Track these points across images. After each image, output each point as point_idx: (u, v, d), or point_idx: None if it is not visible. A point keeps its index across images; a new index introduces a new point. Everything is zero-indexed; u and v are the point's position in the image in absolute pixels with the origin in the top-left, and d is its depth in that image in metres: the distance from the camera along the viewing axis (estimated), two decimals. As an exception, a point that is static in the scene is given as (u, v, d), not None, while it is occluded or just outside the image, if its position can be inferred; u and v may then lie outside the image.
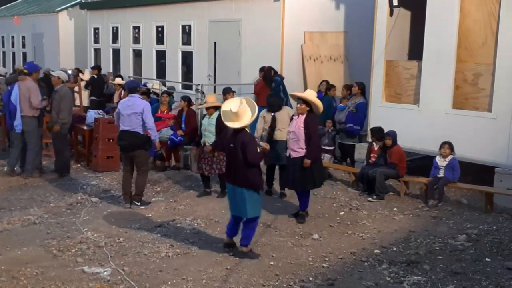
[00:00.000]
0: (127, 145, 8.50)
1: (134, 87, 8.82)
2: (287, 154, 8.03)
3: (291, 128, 7.93)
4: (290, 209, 8.41)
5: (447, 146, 8.90)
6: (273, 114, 8.98)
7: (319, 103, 7.83)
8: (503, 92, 8.98)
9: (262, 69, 11.83)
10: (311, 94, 7.97)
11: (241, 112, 6.32)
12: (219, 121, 8.47)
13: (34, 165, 10.36)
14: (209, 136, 8.89)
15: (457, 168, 8.87)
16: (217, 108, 8.78)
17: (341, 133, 11.08)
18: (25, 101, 10.02)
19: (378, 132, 9.50)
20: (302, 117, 7.79)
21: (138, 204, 8.61)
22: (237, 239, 6.75)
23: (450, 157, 8.89)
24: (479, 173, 9.51)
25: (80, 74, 15.67)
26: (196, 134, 10.06)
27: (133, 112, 8.38)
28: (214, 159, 8.86)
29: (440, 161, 8.95)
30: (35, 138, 10.22)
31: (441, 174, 8.90)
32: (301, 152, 7.77)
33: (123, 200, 8.74)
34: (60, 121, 10.22)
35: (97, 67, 15.67)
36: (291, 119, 8.13)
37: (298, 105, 7.84)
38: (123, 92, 13.79)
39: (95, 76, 15.15)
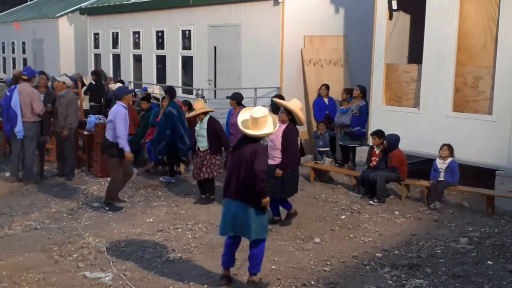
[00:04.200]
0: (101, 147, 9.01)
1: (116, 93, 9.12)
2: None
3: (271, 136, 7.34)
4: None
5: (446, 147, 8.90)
6: None
7: (301, 116, 7.64)
8: (503, 95, 8.99)
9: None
10: (295, 105, 7.68)
11: (263, 120, 5.69)
12: (210, 125, 8.80)
13: (33, 170, 10.36)
14: (201, 141, 8.89)
15: (457, 171, 8.86)
16: (207, 113, 8.93)
17: (344, 136, 11.07)
18: (26, 106, 9.93)
19: (381, 134, 9.48)
20: (283, 127, 7.58)
21: (107, 208, 8.70)
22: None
23: (449, 159, 8.88)
24: (480, 176, 9.52)
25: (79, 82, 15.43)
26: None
27: (109, 119, 8.67)
28: (205, 162, 8.83)
29: (440, 164, 8.94)
30: (34, 144, 10.18)
31: (441, 177, 8.89)
32: (276, 160, 7.65)
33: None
34: (68, 126, 10.31)
35: (95, 73, 15.64)
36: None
37: (280, 113, 7.60)
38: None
39: (93, 82, 15.12)
